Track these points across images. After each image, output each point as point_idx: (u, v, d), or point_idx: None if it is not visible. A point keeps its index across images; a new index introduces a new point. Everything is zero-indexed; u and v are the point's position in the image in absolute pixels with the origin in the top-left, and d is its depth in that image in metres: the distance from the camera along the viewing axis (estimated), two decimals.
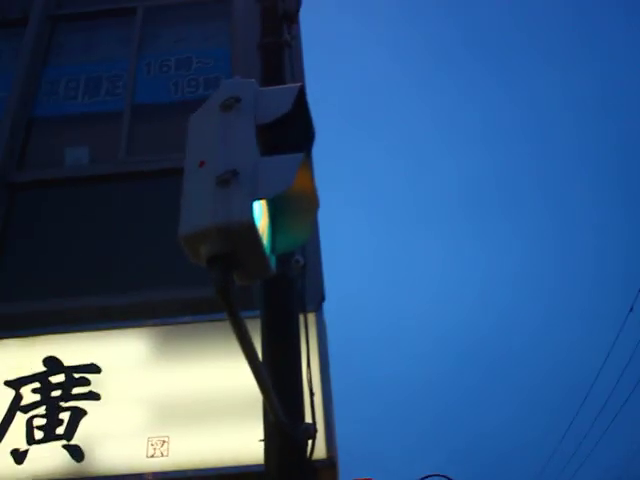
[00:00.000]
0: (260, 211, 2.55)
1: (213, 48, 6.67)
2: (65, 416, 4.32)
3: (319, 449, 3.77)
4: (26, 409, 4.36)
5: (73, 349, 4.57)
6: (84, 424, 4.28)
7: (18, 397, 4.40)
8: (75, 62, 6.83)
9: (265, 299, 3.86)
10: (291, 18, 5.43)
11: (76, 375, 4.45)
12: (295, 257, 3.90)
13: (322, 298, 4.87)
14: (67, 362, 4.50)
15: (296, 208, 2.70)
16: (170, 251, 5.30)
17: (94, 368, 4.47)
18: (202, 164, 2.55)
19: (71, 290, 5.10)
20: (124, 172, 5.71)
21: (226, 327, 4.19)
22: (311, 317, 4.51)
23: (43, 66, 6.71)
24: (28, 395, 4.41)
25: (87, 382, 4.43)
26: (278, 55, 4.81)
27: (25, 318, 4.85)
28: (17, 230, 5.60)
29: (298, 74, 5.79)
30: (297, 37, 6.61)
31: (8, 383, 4.44)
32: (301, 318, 3.78)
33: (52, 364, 4.50)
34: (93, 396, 4.38)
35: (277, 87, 3.08)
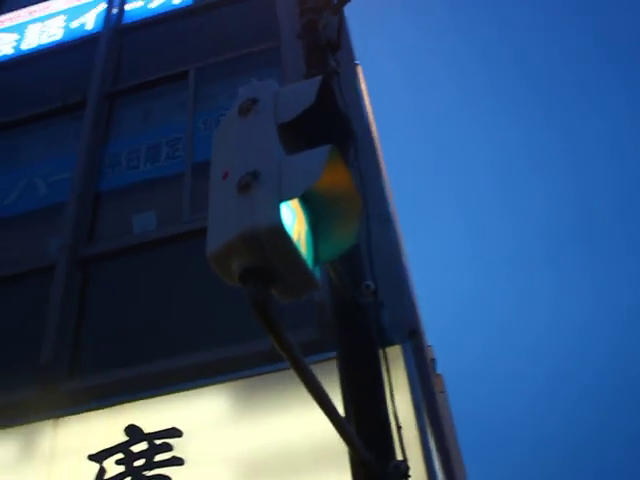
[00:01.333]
0: (293, 216, 2.27)
1: None
2: None
3: None
4: None
5: (152, 415, 4.35)
6: None
7: (102, 471, 4.19)
8: (134, 133, 6.87)
9: (339, 333, 3.56)
10: (335, 45, 5.26)
11: (157, 441, 4.22)
12: (365, 282, 3.59)
13: (413, 329, 4.48)
14: (147, 429, 4.28)
15: (337, 211, 2.40)
16: (242, 303, 5.10)
17: (175, 432, 4.23)
18: (226, 175, 2.31)
19: (149, 355, 4.93)
20: (189, 231, 5.57)
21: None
22: (395, 350, 4.14)
23: (104, 142, 6.78)
24: (112, 467, 4.20)
25: (169, 447, 4.18)
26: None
27: (105, 388, 4.70)
28: (93, 302, 5.54)
29: (352, 99, 5.57)
30: (351, 61, 6.44)
31: (91, 457, 4.26)
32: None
33: (133, 432, 4.29)
34: (177, 461, 4.12)
35: (298, 83, 2.84)
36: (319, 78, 2.46)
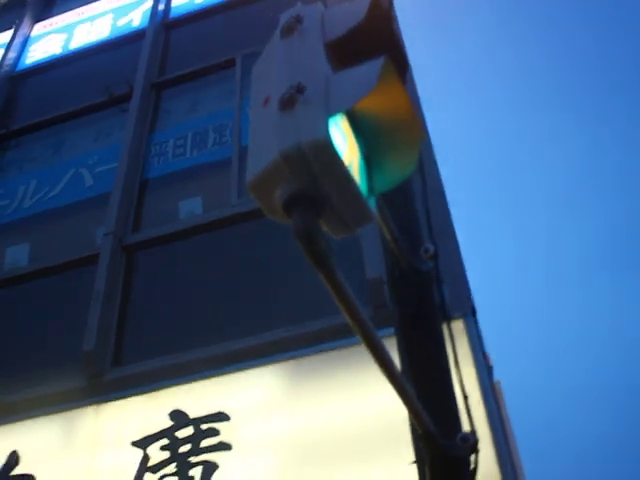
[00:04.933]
0: (345, 141, 2.01)
1: None
2: (196, 472, 3.85)
3: (488, 463, 3.08)
4: (155, 469, 3.93)
5: (198, 399, 4.14)
6: (217, 478, 3.78)
7: (146, 457, 3.99)
8: (181, 121, 6.72)
9: (396, 303, 3.28)
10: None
11: (204, 426, 4.00)
12: (424, 245, 3.31)
13: (471, 303, 4.19)
14: (193, 414, 4.06)
15: (394, 140, 2.13)
16: (291, 285, 4.87)
17: (222, 416, 4.00)
18: (267, 100, 2.06)
19: (195, 341, 4.71)
20: (237, 213, 5.36)
21: (357, 352, 3.63)
22: (458, 325, 3.85)
23: (150, 131, 6.65)
24: (156, 454, 3.99)
25: (216, 432, 3.96)
26: None
27: (150, 375, 4.50)
28: (138, 290, 5.37)
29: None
30: None
31: (135, 443, 4.05)
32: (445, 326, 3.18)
33: (178, 417, 4.08)
34: (224, 447, 3.89)
35: (347, 3, 2.59)
36: None
